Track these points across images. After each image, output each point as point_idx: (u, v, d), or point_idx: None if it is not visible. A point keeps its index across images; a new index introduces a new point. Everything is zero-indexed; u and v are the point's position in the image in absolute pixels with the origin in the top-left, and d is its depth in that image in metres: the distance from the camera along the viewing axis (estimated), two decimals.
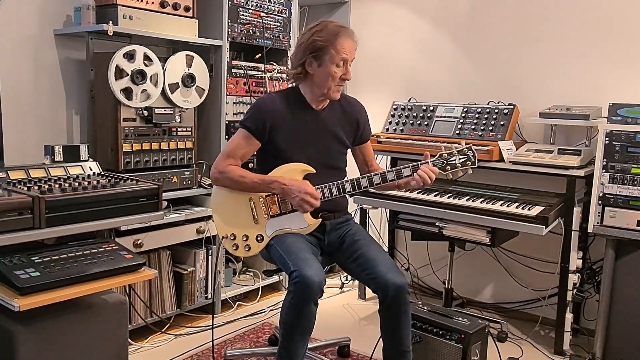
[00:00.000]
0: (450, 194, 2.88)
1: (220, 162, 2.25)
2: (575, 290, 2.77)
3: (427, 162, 2.18)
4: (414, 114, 3.36)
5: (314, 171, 2.22)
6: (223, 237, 2.26)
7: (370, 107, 3.82)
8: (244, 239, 2.24)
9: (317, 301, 2.01)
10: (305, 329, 2.03)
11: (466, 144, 2.20)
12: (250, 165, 2.93)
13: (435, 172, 2.16)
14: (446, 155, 2.19)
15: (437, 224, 2.89)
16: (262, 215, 2.23)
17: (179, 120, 2.88)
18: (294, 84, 2.32)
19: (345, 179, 2.24)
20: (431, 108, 3.31)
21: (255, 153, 2.32)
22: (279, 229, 2.22)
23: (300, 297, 1.97)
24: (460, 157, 2.18)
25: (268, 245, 2.23)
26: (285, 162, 2.23)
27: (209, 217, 3.02)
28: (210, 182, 2.97)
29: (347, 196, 2.27)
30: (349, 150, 2.41)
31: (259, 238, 2.23)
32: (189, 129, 2.94)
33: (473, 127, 3.10)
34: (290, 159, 2.23)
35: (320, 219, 2.24)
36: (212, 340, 2.31)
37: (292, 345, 2.03)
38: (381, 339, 2.18)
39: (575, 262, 2.74)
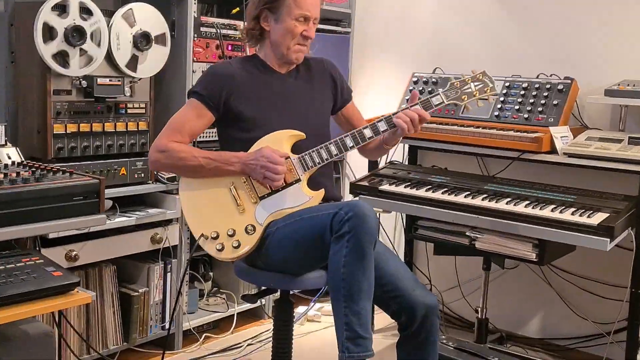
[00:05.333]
0: (485, 195, 2.85)
1: (162, 138, 2.31)
2: None
3: (417, 104, 2.31)
4: (441, 89, 3.31)
5: (305, 136, 2.32)
6: (201, 237, 2.26)
7: (383, 80, 3.90)
8: (230, 233, 2.25)
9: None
10: (371, 282, 2.03)
11: (479, 72, 2.39)
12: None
13: (421, 113, 2.30)
14: (458, 84, 2.37)
15: (467, 233, 2.87)
16: (249, 199, 2.28)
17: (129, 93, 2.88)
18: (252, 46, 2.54)
19: (330, 141, 2.32)
20: None
21: (219, 136, 2.44)
22: (273, 212, 2.25)
23: (360, 235, 2.00)
24: (476, 84, 2.35)
25: (267, 236, 2.23)
26: (261, 133, 2.30)
27: (168, 222, 3.05)
28: (170, 176, 2.94)
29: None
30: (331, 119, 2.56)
31: (249, 229, 2.24)
32: (143, 105, 2.96)
33: (517, 107, 3.10)
34: (264, 128, 2.31)
35: (323, 189, 2.31)
36: None
37: (362, 306, 2.00)
38: None
39: None
